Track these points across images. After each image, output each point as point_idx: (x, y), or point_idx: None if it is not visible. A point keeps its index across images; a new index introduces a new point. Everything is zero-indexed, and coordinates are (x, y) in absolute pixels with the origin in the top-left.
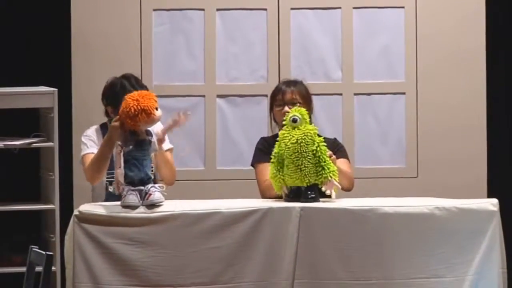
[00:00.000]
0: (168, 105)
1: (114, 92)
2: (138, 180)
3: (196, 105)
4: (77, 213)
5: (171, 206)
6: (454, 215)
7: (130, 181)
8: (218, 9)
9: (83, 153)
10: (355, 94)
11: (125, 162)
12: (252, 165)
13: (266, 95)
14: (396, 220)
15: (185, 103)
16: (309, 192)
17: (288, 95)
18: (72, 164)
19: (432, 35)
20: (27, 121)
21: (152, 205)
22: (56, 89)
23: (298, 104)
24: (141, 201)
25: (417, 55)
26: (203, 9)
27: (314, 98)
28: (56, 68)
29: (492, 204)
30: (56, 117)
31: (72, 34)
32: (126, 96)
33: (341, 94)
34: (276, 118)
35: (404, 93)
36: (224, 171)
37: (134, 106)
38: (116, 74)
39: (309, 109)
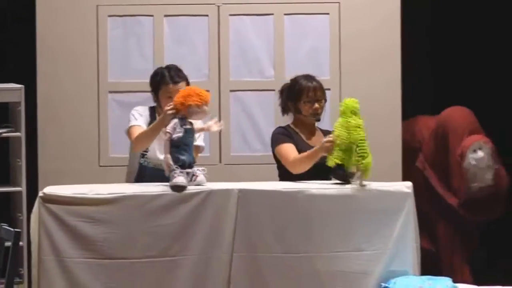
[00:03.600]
0: (122, 100)
1: (155, 80)
2: (188, 163)
3: (148, 100)
4: (41, 194)
5: (124, 188)
6: (374, 196)
7: (182, 164)
8: (165, 15)
9: (131, 124)
10: None
11: (176, 147)
12: (275, 147)
13: (207, 91)
14: (323, 200)
15: (137, 98)
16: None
17: (319, 92)
18: (37, 152)
19: (353, 37)
20: None
21: (197, 185)
22: (23, 86)
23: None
24: (188, 182)
25: (341, 55)
26: (152, 15)
27: (250, 94)
28: (23, 68)
29: (406, 186)
30: (23, 111)
31: (37, 38)
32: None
33: (273, 90)
34: (304, 111)
35: (329, 89)
36: None
37: (190, 89)
38: (76, 72)
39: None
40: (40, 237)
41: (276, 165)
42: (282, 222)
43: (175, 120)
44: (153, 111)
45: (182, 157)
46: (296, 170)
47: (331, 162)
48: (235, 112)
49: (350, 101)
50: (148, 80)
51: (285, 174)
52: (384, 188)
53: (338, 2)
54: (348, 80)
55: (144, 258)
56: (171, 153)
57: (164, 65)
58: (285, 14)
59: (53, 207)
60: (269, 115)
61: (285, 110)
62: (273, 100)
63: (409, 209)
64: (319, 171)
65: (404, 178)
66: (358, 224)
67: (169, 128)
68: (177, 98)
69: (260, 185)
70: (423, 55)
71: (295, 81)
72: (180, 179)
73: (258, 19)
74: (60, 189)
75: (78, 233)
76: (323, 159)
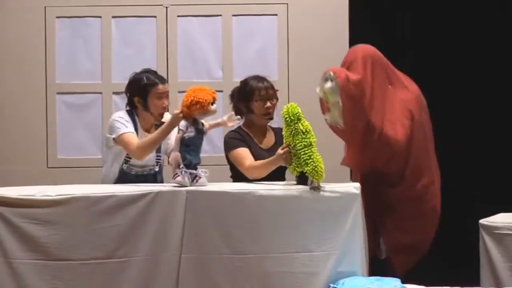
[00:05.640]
0: (69, 101)
1: (141, 84)
2: (194, 164)
3: (95, 100)
4: None
5: (72, 190)
6: (322, 197)
7: (188, 164)
8: (113, 17)
9: (122, 132)
10: None
11: (186, 145)
12: (229, 152)
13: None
14: (271, 202)
15: (85, 99)
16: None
17: (270, 91)
18: None
19: (302, 38)
20: None
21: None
22: None
23: (275, 101)
24: (190, 182)
25: (289, 55)
26: (100, 17)
27: None
28: None
29: (354, 187)
30: None
31: None
32: (188, 89)
33: (222, 91)
34: (256, 110)
35: (277, 90)
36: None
37: (191, 97)
38: (24, 73)
39: (277, 102)
40: None
41: (229, 166)
42: (230, 223)
43: (190, 121)
44: (132, 115)
45: (189, 157)
46: (251, 176)
47: (293, 171)
48: None
49: (292, 107)
50: (95, 81)
51: (238, 176)
52: (333, 189)
53: (286, 3)
54: (296, 81)
55: (92, 259)
56: (180, 151)
57: (142, 70)
58: (234, 15)
59: (1, 208)
60: (218, 116)
61: (238, 113)
62: (222, 101)
63: (357, 210)
64: (273, 172)
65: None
66: (307, 225)
67: (182, 126)
68: (182, 106)
69: (209, 186)
70: None
71: (245, 82)
72: (184, 179)
73: (206, 20)
74: (8, 191)
75: (26, 235)
76: None
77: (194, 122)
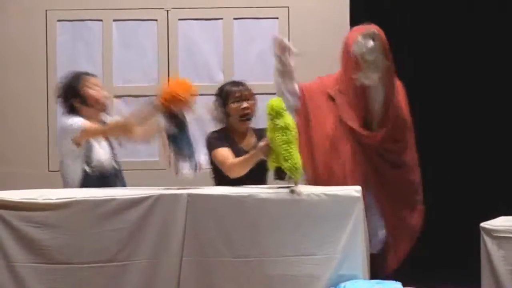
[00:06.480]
0: None
1: (73, 85)
2: (190, 153)
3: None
4: None
5: (74, 193)
6: (323, 200)
7: (184, 156)
8: (114, 20)
9: (80, 124)
10: None
11: (174, 141)
12: (211, 151)
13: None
14: (271, 205)
15: None
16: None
17: (245, 92)
18: None
19: (303, 41)
20: None
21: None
22: None
23: (252, 101)
24: (194, 171)
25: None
26: (101, 20)
27: (199, 98)
28: None
29: (355, 190)
30: None
31: None
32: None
33: None
34: (232, 112)
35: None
36: (126, 162)
37: (164, 89)
38: (25, 76)
39: (256, 104)
40: None
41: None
42: (231, 227)
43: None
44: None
45: (183, 150)
46: (234, 174)
47: (271, 165)
48: None
49: (275, 102)
50: None
51: (219, 177)
52: (333, 192)
53: (287, 7)
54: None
55: (93, 263)
56: (171, 147)
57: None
58: (235, 19)
59: (2, 212)
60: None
61: (218, 120)
62: None
63: (359, 213)
64: (253, 172)
65: None
66: (308, 229)
67: (165, 128)
68: (162, 99)
69: (210, 189)
70: None
71: (221, 88)
72: (186, 172)
73: (207, 23)
74: (9, 194)
75: (27, 238)
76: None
77: (172, 118)
